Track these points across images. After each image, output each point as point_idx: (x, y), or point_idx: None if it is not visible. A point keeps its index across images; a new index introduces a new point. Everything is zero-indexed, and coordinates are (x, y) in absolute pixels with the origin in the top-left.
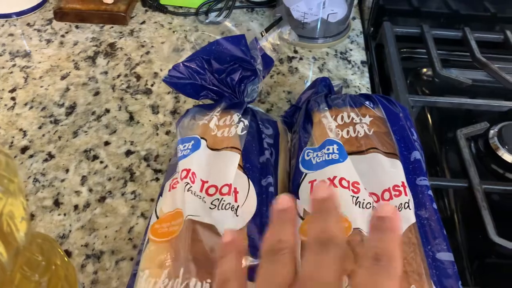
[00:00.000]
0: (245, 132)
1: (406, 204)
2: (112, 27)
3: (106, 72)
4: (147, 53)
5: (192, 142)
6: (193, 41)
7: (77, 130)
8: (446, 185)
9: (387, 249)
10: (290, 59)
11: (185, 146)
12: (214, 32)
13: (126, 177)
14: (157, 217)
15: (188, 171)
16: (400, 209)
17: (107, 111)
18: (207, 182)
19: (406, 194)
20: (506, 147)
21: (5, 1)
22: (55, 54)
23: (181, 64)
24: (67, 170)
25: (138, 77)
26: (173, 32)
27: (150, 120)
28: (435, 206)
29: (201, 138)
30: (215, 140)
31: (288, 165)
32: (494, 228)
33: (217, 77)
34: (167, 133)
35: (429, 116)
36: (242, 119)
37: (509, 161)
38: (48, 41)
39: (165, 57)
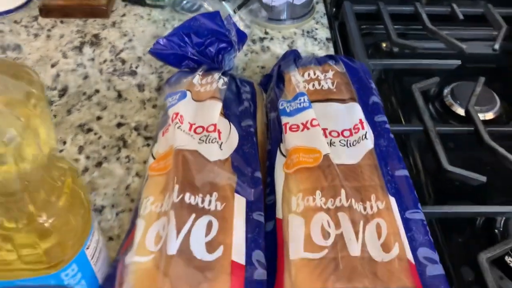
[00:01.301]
0: (225, 87)
1: (364, 136)
2: (95, 20)
3: (93, 59)
4: (130, 40)
5: (179, 94)
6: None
7: (71, 109)
8: (405, 129)
9: None
10: (262, 39)
11: (173, 98)
12: None
13: (119, 145)
14: (154, 159)
15: (177, 114)
16: (359, 142)
17: (97, 91)
18: (194, 124)
19: (363, 128)
20: (458, 102)
21: None
22: (44, 46)
23: (164, 38)
24: (64, 142)
25: (123, 61)
26: (153, 22)
27: (137, 97)
28: (391, 135)
29: (187, 90)
30: (198, 94)
31: (265, 118)
32: (446, 159)
33: (197, 49)
34: (154, 106)
35: (391, 82)
36: (222, 77)
37: (462, 114)
38: (36, 35)
39: (147, 43)
